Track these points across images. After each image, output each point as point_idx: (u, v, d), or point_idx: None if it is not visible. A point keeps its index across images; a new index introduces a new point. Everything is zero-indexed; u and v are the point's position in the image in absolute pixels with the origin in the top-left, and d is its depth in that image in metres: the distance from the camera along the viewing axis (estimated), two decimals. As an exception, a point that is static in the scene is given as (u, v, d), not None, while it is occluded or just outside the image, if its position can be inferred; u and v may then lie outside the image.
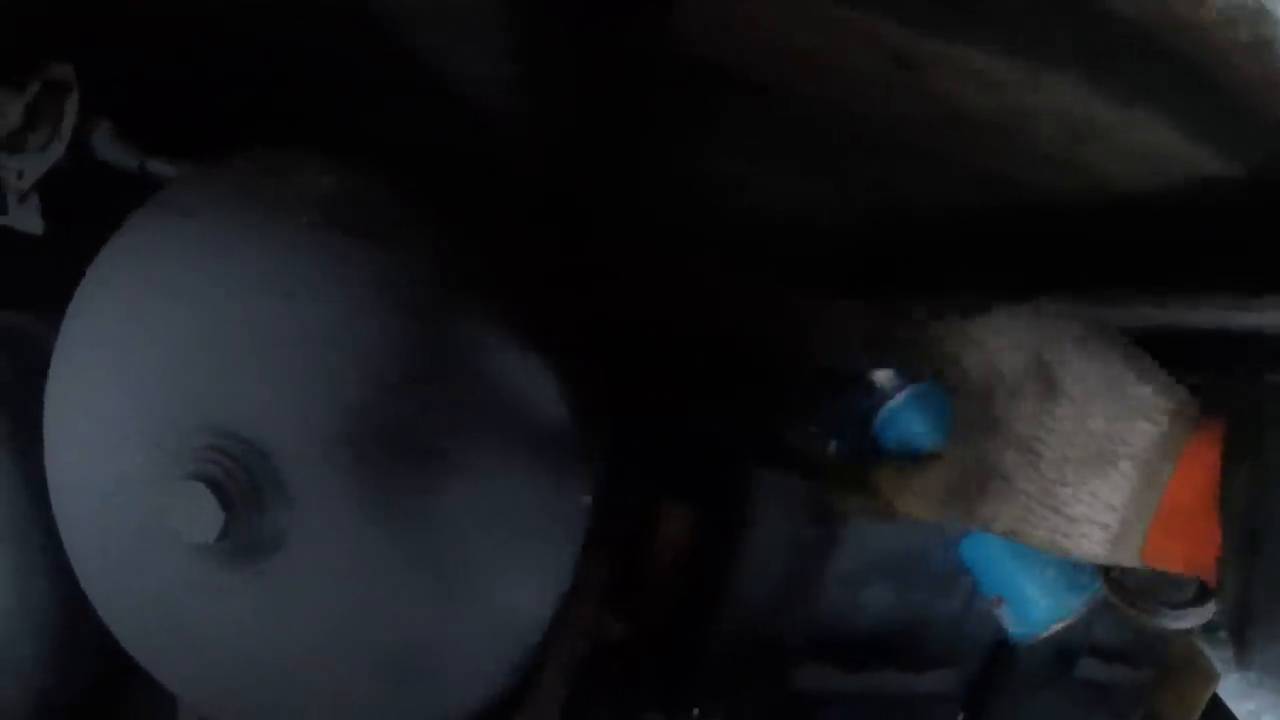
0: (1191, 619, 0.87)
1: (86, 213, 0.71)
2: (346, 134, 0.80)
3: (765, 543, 0.91)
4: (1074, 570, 0.66)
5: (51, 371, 0.65)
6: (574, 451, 0.69)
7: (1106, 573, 0.63)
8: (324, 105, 0.84)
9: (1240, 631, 0.45)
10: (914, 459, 0.65)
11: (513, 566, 0.67)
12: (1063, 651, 1.10)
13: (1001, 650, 1.07)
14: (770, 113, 0.76)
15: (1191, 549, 0.48)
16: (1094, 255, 0.94)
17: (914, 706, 0.98)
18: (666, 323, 1.19)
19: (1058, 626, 0.67)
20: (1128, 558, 0.51)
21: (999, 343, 0.57)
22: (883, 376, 0.75)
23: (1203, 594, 0.77)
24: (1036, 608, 0.66)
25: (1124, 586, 0.62)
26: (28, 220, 0.77)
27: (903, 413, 0.73)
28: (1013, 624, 0.71)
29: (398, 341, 0.59)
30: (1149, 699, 1.29)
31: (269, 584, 0.59)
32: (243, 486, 0.56)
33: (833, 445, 0.96)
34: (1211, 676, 1.25)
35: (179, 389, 0.59)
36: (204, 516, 0.54)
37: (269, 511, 0.57)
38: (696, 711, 0.99)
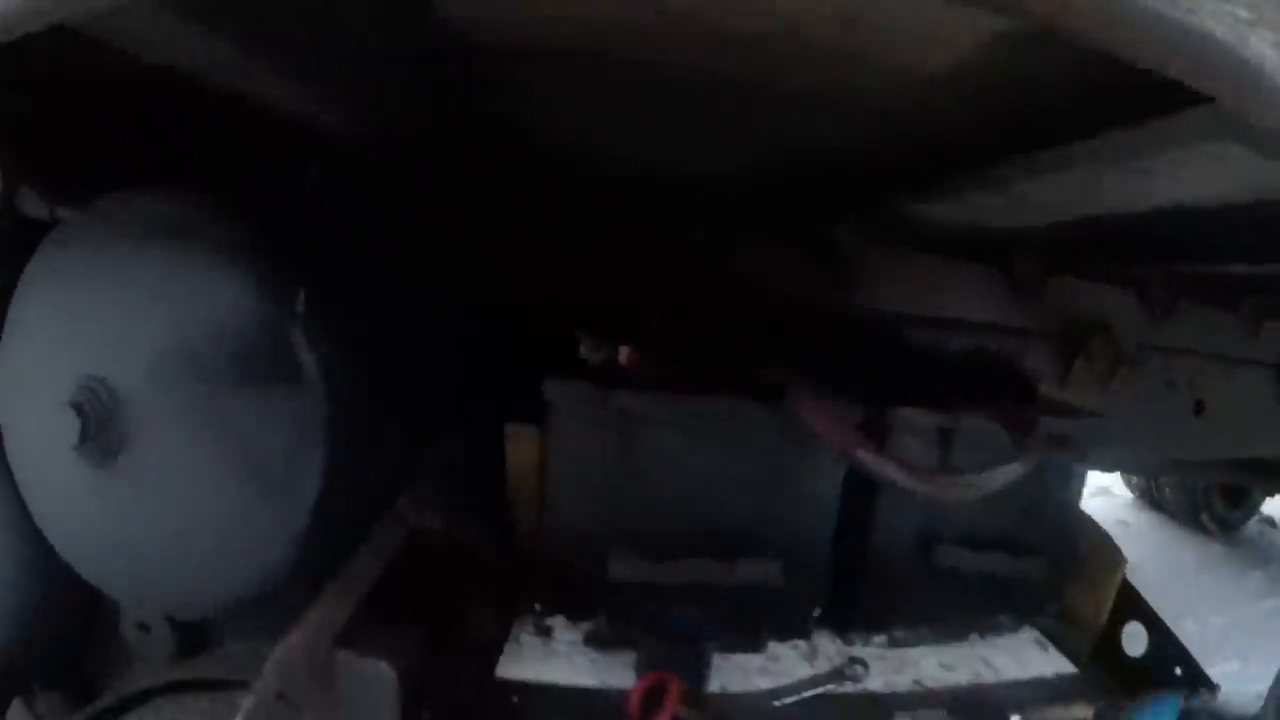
0: (991, 481, 0.81)
1: (15, 250, 0.98)
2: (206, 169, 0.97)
3: (565, 447, 0.94)
4: None
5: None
6: (325, 395, 0.86)
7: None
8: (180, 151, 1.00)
9: None
10: None
11: (275, 463, 0.87)
12: (920, 539, 1.03)
13: (850, 541, 1.02)
14: (588, 78, 0.80)
15: None
16: (950, 139, 0.90)
17: (734, 596, 0.96)
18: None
19: None
20: None
21: None
22: None
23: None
24: None
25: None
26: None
27: None
28: None
29: (196, 319, 0.86)
30: (1060, 592, 1.17)
31: (119, 476, 0.88)
32: (97, 409, 0.87)
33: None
34: (1117, 563, 1.12)
35: (68, 352, 0.90)
36: (73, 429, 0.85)
37: (115, 425, 0.87)
38: (538, 607, 1.02)
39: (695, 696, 0.92)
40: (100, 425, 0.87)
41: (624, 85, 0.81)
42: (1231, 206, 0.89)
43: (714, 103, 0.84)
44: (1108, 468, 2.63)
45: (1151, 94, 0.64)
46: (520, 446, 1.03)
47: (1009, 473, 0.76)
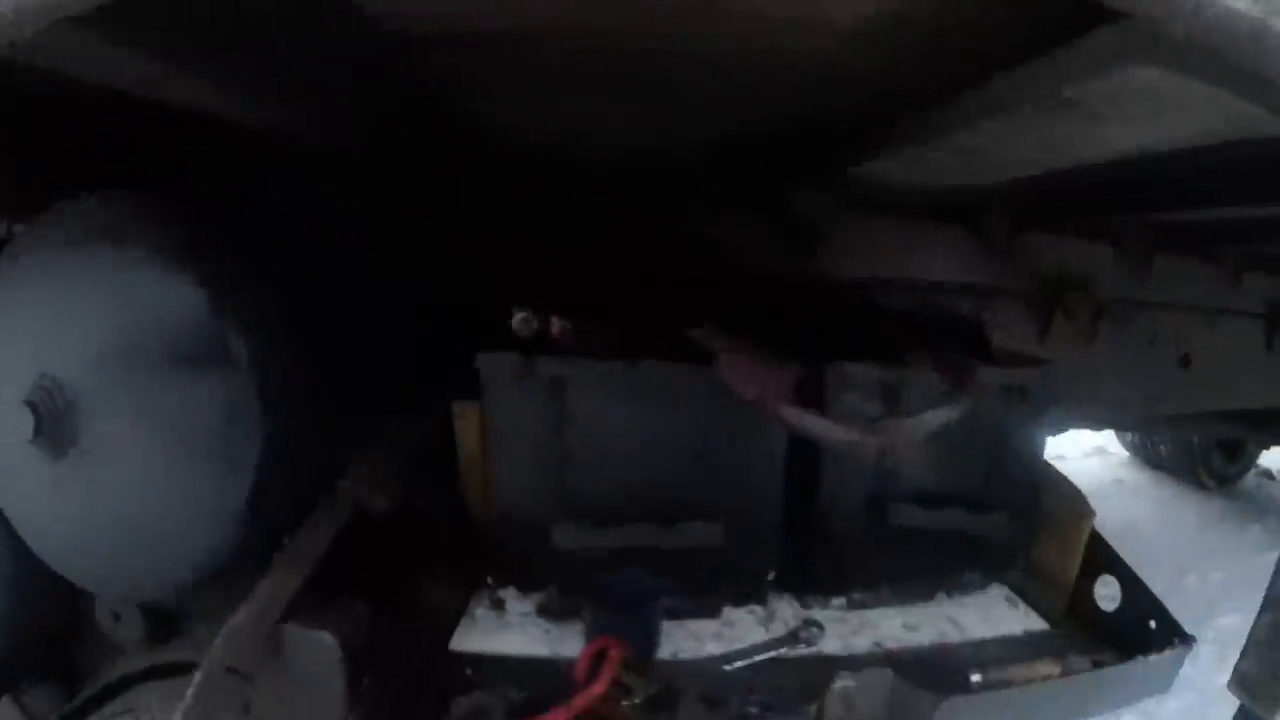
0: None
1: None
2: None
3: (502, 418, 0.88)
4: None
5: None
6: (257, 369, 0.84)
7: None
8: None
9: None
10: None
11: (215, 452, 0.85)
12: (872, 498, 0.95)
13: (800, 502, 0.95)
14: (515, 60, 0.75)
15: None
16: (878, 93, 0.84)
17: (680, 561, 0.90)
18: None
19: None
20: None
21: None
22: None
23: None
24: None
25: None
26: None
27: None
28: None
29: (135, 314, 0.86)
30: (1028, 548, 1.09)
31: (73, 467, 0.88)
32: (49, 405, 0.87)
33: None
34: (1084, 515, 1.03)
35: (25, 353, 0.90)
36: (27, 425, 0.86)
37: (66, 420, 0.87)
38: (491, 580, 0.97)
39: (638, 662, 0.86)
40: (52, 420, 0.87)
41: (552, 65, 0.76)
42: (1196, 150, 0.81)
43: (645, 74, 0.79)
44: (1098, 425, 2.51)
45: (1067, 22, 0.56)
46: (467, 422, 0.97)
47: (938, 416, 0.68)
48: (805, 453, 0.91)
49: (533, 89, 0.87)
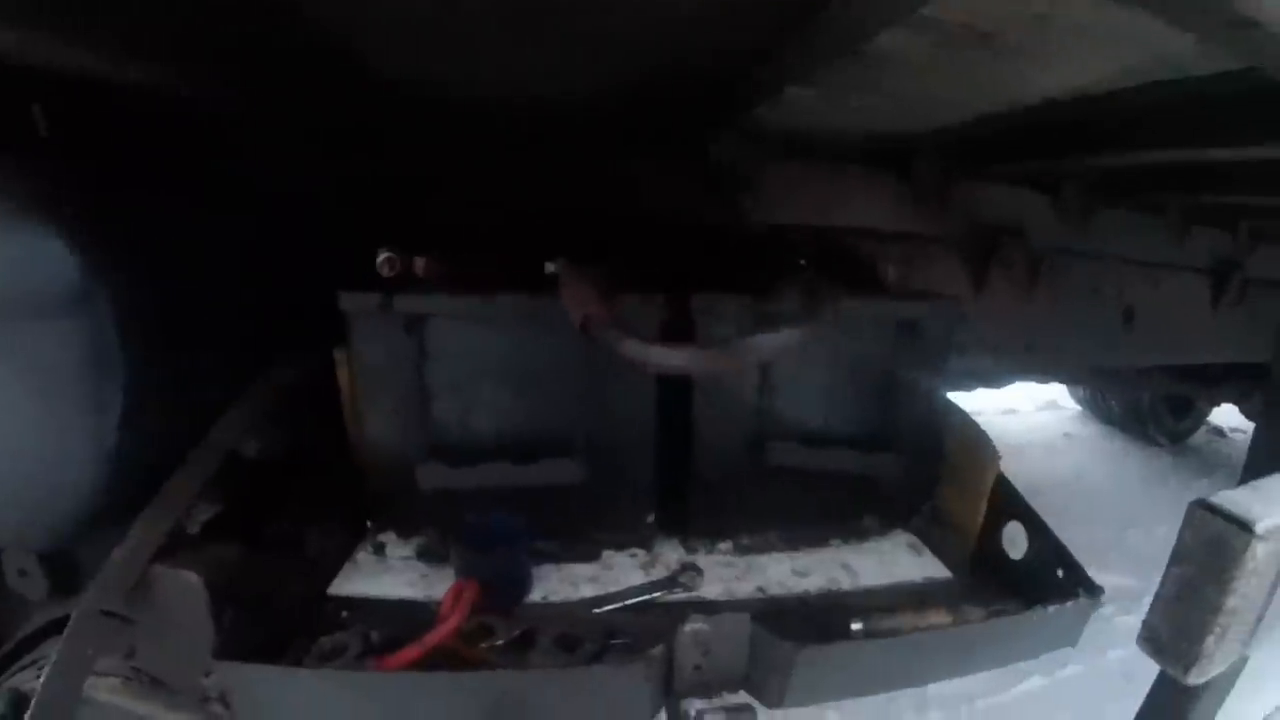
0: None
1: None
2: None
3: (366, 358, 0.75)
4: None
5: None
6: (116, 314, 0.75)
7: None
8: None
9: None
10: None
11: (79, 391, 0.76)
12: (750, 437, 0.80)
13: (674, 439, 0.80)
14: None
15: None
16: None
17: (546, 502, 0.76)
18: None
19: None
20: None
21: None
22: None
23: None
24: None
25: None
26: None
27: None
28: None
29: None
30: (931, 494, 0.93)
31: None
32: None
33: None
34: (990, 460, 0.87)
35: None
36: None
37: None
38: (369, 524, 0.85)
39: (506, 604, 0.74)
40: None
41: (440, 7, 0.63)
42: (1125, 90, 0.66)
43: (532, 13, 0.65)
44: (1041, 378, 2.30)
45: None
46: (346, 369, 0.85)
47: (775, 340, 0.53)
48: (677, 388, 0.76)
49: (419, 35, 0.74)
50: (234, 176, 0.92)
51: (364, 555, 0.85)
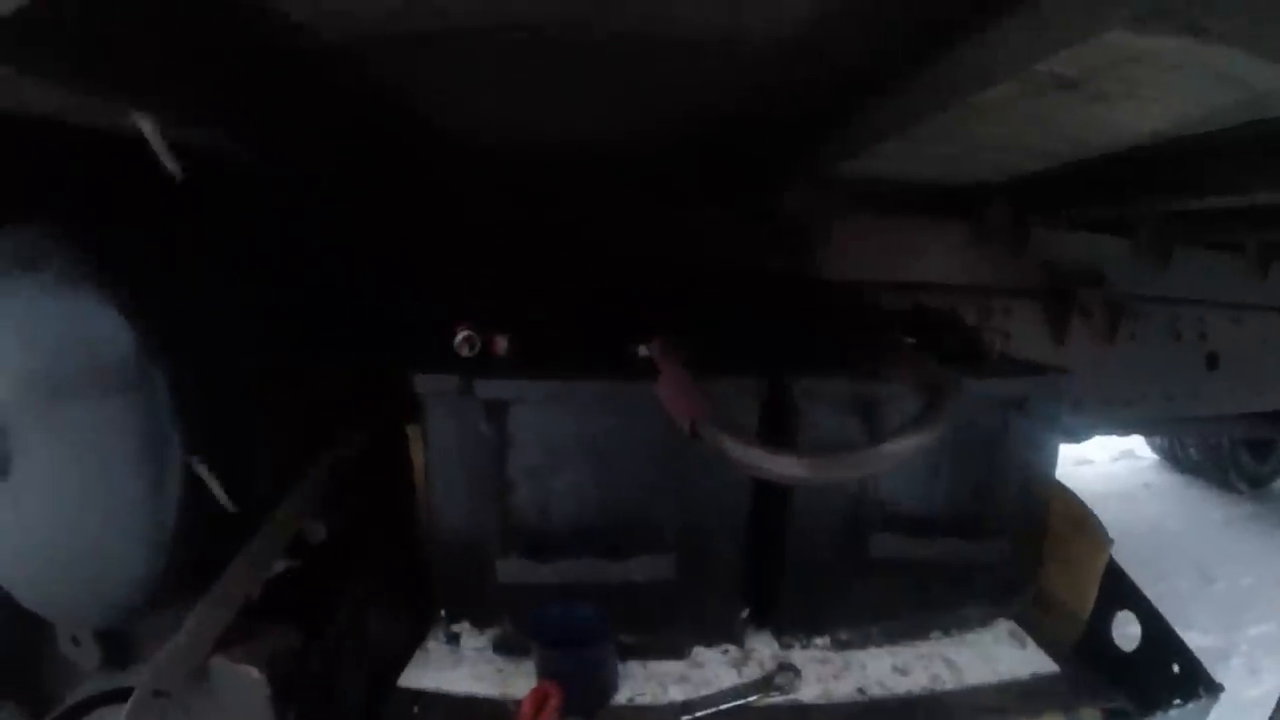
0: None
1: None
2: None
3: (440, 443, 0.79)
4: None
5: None
6: (174, 393, 0.79)
7: None
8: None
9: None
10: None
11: (132, 479, 0.80)
12: (850, 526, 0.83)
13: (770, 530, 0.83)
14: (454, 56, 0.69)
15: None
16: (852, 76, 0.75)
17: (633, 596, 0.79)
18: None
19: None
20: None
21: None
22: None
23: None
24: None
25: None
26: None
27: None
28: None
29: (53, 341, 0.81)
30: (1035, 578, 0.95)
31: (8, 495, 0.84)
32: None
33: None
34: (1101, 543, 0.89)
35: None
36: None
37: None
38: (443, 613, 0.88)
39: (589, 708, 0.76)
40: None
41: (505, 60, 0.68)
42: (1210, 134, 0.70)
43: (598, 65, 0.71)
44: (1121, 430, 2.33)
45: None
46: (419, 447, 0.88)
47: (909, 445, 0.56)
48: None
49: (483, 89, 0.79)
50: (291, 245, 0.97)
51: (435, 645, 0.89)
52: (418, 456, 0.90)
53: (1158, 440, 2.79)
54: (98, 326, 0.79)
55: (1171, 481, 2.76)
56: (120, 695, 1.01)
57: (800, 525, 0.81)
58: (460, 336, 0.79)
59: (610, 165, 1.15)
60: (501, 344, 0.79)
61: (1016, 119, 0.68)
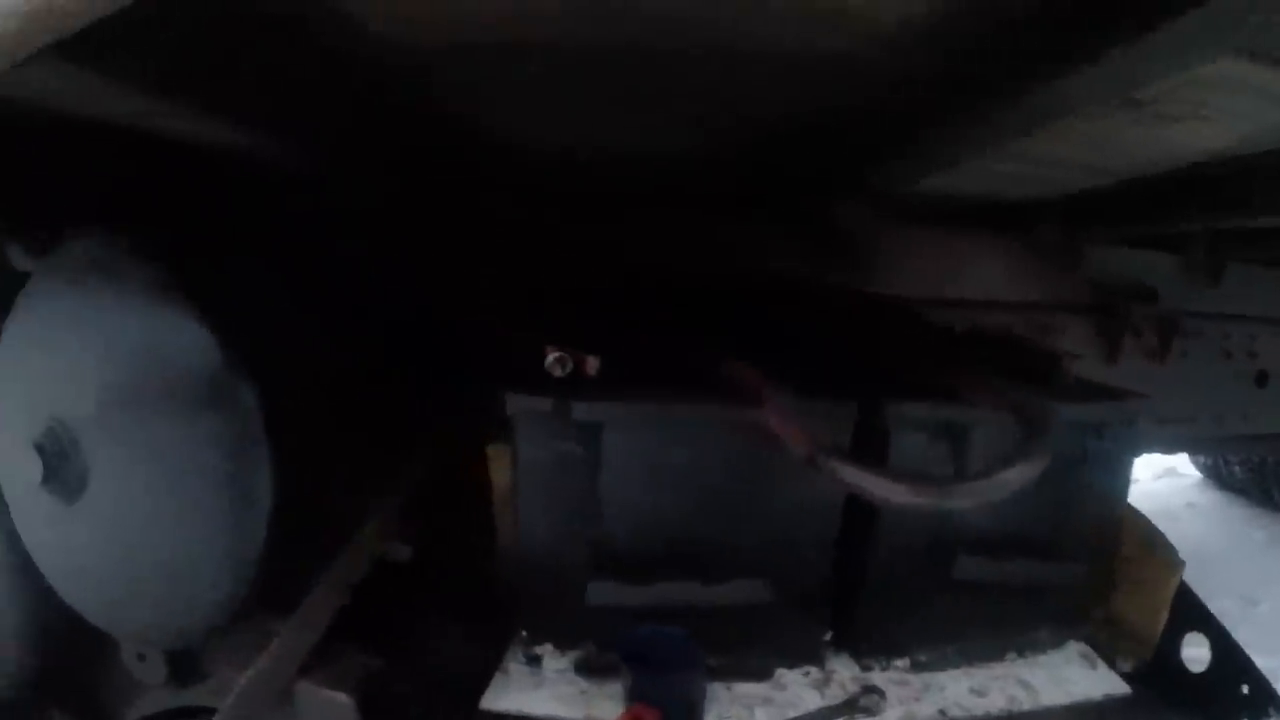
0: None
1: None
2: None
3: (531, 465, 0.86)
4: None
5: None
6: (263, 411, 0.84)
7: None
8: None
9: None
10: None
11: (222, 494, 0.85)
12: (935, 549, 0.90)
13: (855, 554, 0.90)
14: (524, 68, 0.74)
15: None
16: (934, 97, 0.81)
17: (726, 619, 0.86)
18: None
19: None
20: None
21: None
22: None
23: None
24: None
25: None
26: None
27: None
28: None
29: (135, 355, 0.86)
30: (1106, 600, 1.03)
31: (84, 511, 0.89)
32: (56, 448, 0.88)
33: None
34: (1173, 566, 0.97)
35: (36, 396, 0.92)
36: (37, 468, 0.87)
37: (71, 463, 0.88)
38: (525, 634, 0.94)
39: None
40: (61, 464, 0.88)
41: (568, 72, 0.74)
42: (1260, 153, 0.77)
43: (665, 78, 0.77)
44: (1168, 449, 2.42)
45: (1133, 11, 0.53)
46: (501, 467, 0.95)
47: (1020, 475, 0.64)
48: (863, 501, 0.86)
49: (550, 102, 0.85)
50: (362, 260, 1.03)
51: (515, 666, 0.94)
52: (498, 476, 0.97)
53: (1201, 459, 2.89)
54: (183, 339, 0.83)
55: (1215, 500, 2.86)
56: (179, 715, 1.06)
57: (886, 547, 0.89)
58: (552, 357, 0.86)
59: (663, 177, 1.22)
60: (592, 364, 0.86)
61: (1077, 137, 0.73)
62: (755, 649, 0.91)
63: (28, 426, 0.90)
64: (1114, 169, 0.90)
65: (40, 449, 0.88)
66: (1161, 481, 3.04)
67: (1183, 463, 3.07)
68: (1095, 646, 1.04)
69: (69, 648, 1.09)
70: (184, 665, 1.02)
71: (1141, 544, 1.01)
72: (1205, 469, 2.94)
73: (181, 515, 0.86)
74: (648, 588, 0.84)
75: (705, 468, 0.84)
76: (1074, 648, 1.04)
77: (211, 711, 1.02)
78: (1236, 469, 2.77)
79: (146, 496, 0.87)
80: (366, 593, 0.90)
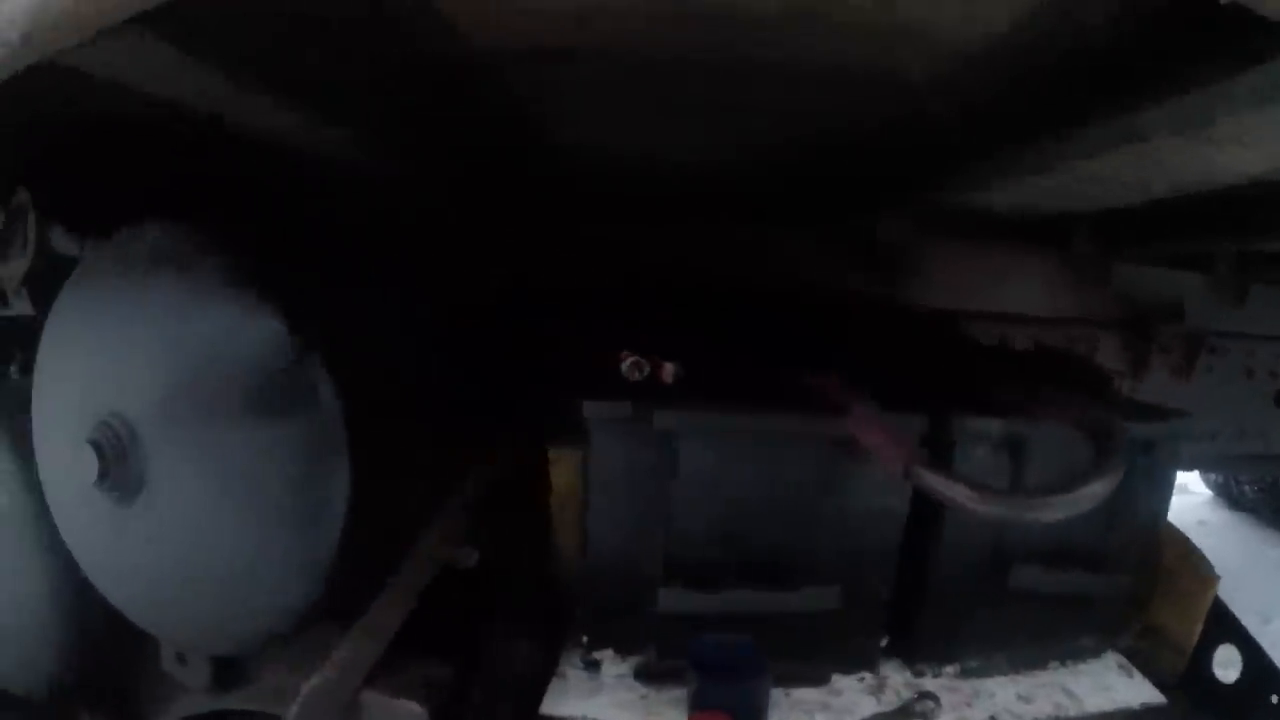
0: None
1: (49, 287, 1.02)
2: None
3: (605, 471, 0.92)
4: None
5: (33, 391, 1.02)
6: (341, 425, 0.86)
7: None
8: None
9: None
10: None
11: (292, 501, 0.86)
12: (995, 558, 0.98)
13: (916, 562, 0.98)
14: (598, 73, 0.79)
15: None
16: (994, 121, 0.87)
17: (789, 625, 0.93)
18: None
19: None
20: None
21: None
22: None
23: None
24: None
25: None
26: (23, 307, 1.08)
27: None
28: None
29: (206, 351, 0.86)
30: (1143, 610, 1.12)
31: (140, 512, 0.89)
32: (114, 445, 0.88)
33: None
34: (1209, 578, 1.07)
35: (90, 391, 0.92)
36: (92, 466, 0.87)
37: (130, 462, 0.88)
38: (585, 639, 1.00)
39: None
40: (118, 462, 0.88)
41: (641, 79, 0.79)
42: None
43: (733, 89, 0.81)
44: (1187, 466, 2.55)
45: (1215, 49, 0.59)
46: (562, 471, 1.01)
47: (1100, 490, 0.72)
48: (928, 510, 0.94)
49: (617, 108, 0.90)
50: (440, 258, 1.08)
51: (574, 671, 1.00)
52: (559, 479, 1.02)
53: (1212, 477, 3.04)
54: (259, 334, 0.83)
55: (1226, 519, 3.01)
56: (221, 717, 1.09)
57: (948, 557, 0.96)
58: (629, 362, 0.93)
59: (715, 187, 1.30)
60: (669, 371, 0.93)
61: (1121, 157, 0.78)
62: (815, 655, 0.98)
63: (79, 422, 0.90)
64: (1155, 189, 0.97)
65: (97, 446, 0.87)
66: (1173, 499, 3.18)
67: (1194, 480, 3.22)
68: (1132, 656, 1.13)
69: (106, 649, 1.12)
70: (227, 669, 1.04)
71: (1180, 557, 1.10)
72: (1216, 487, 3.09)
73: (250, 518, 0.87)
74: (719, 595, 0.90)
75: (779, 477, 0.91)
76: (1112, 658, 1.13)
77: (252, 715, 1.06)
78: (1247, 488, 2.91)
79: (212, 498, 0.87)
80: (432, 598, 0.95)
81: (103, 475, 0.87)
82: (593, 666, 1.00)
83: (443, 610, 0.96)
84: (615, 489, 0.92)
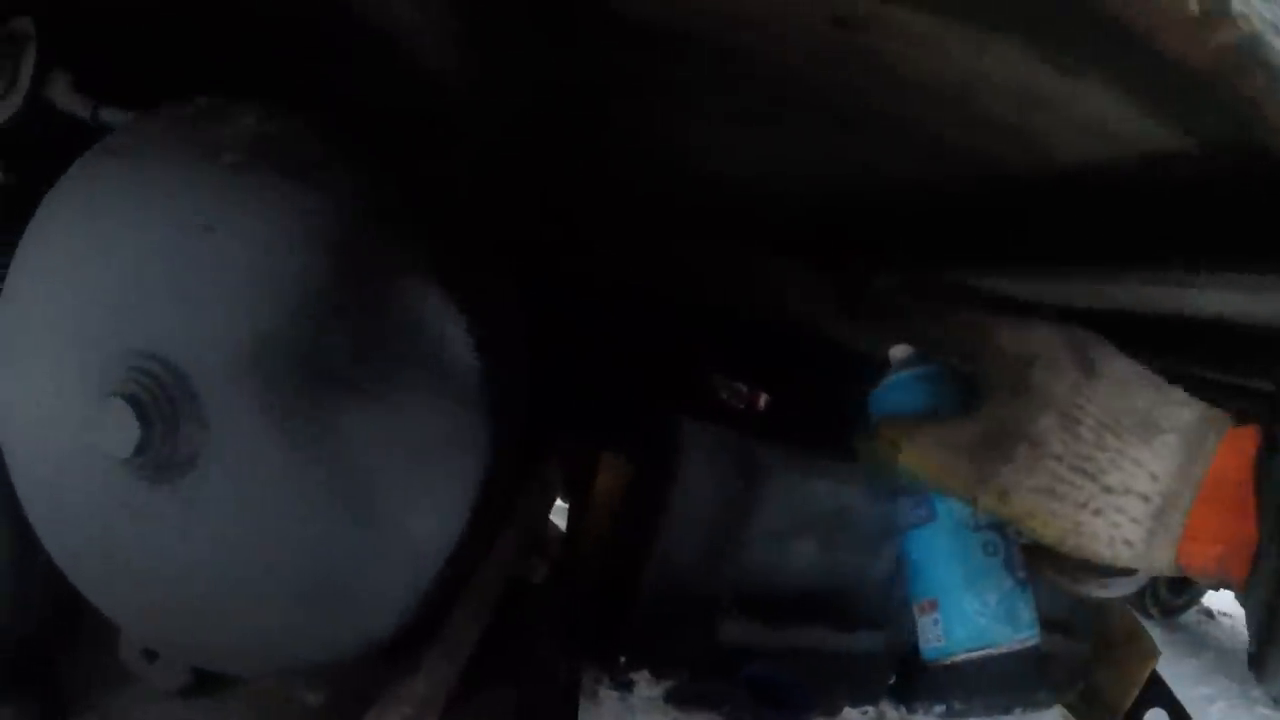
0: (1119, 588, 1.07)
1: (45, 159, 0.83)
2: (284, 86, 0.92)
3: (692, 495, 1.12)
4: (1018, 602, 0.69)
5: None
6: (480, 391, 0.79)
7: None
8: (263, 58, 1.02)
9: (1264, 641, 0.48)
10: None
11: (414, 495, 0.77)
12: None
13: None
14: (719, 76, 0.93)
15: (1227, 542, 0.50)
16: (1048, 229, 1.15)
17: (842, 665, 1.20)
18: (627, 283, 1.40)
19: (976, 655, 0.69)
20: (1162, 552, 0.52)
21: (1035, 330, 0.61)
22: (898, 352, 0.75)
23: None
24: (967, 626, 0.67)
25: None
26: (-8, 168, 0.93)
27: (900, 390, 0.71)
28: (933, 638, 0.71)
29: (309, 273, 0.69)
30: (1089, 673, 1.54)
31: (184, 502, 0.70)
32: (160, 404, 0.67)
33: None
34: (1151, 654, 1.49)
35: (108, 315, 0.71)
36: (123, 432, 0.66)
37: (184, 429, 0.68)
38: (623, 659, 1.20)
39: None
40: (165, 427, 0.68)
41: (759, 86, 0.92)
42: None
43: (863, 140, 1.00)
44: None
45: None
46: (609, 478, 1.19)
47: (1129, 584, 1.02)
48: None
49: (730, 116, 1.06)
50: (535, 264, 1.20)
51: (605, 691, 1.20)
52: (606, 485, 1.20)
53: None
54: (387, 285, 0.72)
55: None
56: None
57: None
58: (729, 389, 1.14)
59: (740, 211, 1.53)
60: (763, 400, 1.16)
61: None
62: (837, 689, 1.27)
63: (90, 361, 0.71)
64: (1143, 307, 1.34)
65: (136, 403, 0.67)
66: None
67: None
68: (1071, 709, 1.54)
69: (31, 625, 1.10)
70: (210, 676, 0.95)
71: (1127, 632, 1.52)
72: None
73: (339, 526, 0.74)
74: (781, 631, 1.15)
75: (851, 522, 1.17)
76: (1057, 710, 1.53)
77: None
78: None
79: (290, 493, 0.72)
80: (503, 617, 0.96)
81: (144, 446, 0.68)
82: (624, 687, 1.20)
83: (508, 631, 0.99)
84: (697, 512, 1.13)
